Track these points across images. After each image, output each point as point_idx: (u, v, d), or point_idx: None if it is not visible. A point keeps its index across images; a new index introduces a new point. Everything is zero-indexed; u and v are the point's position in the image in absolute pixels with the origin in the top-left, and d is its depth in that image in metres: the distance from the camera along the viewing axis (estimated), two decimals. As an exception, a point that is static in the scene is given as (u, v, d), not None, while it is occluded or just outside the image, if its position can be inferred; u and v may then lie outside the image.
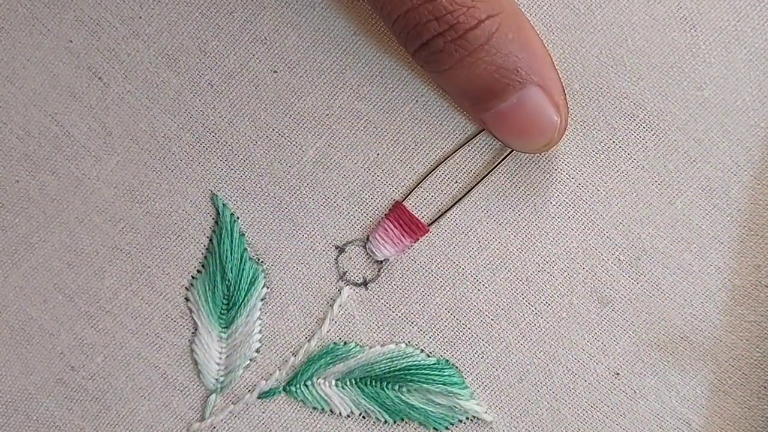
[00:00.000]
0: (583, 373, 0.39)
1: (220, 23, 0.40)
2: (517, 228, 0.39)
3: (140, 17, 0.40)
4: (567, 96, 0.37)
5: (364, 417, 0.40)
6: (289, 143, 0.40)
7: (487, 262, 0.39)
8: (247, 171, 0.40)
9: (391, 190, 0.40)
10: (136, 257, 0.41)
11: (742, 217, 0.38)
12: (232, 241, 0.40)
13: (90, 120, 0.41)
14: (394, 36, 0.36)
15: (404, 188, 0.40)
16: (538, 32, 0.37)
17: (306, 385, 0.40)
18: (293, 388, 0.40)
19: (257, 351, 0.41)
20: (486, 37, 0.35)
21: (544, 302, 0.39)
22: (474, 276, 0.39)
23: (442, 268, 0.40)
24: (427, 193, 0.40)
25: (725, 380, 0.39)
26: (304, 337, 0.40)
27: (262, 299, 0.40)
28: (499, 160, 0.39)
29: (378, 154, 0.40)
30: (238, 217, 0.40)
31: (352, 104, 0.40)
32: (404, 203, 0.39)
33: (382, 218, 0.40)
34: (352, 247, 0.40)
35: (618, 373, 0.39)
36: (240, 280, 0.40)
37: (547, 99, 0.36)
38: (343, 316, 0.40)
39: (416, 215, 0.39)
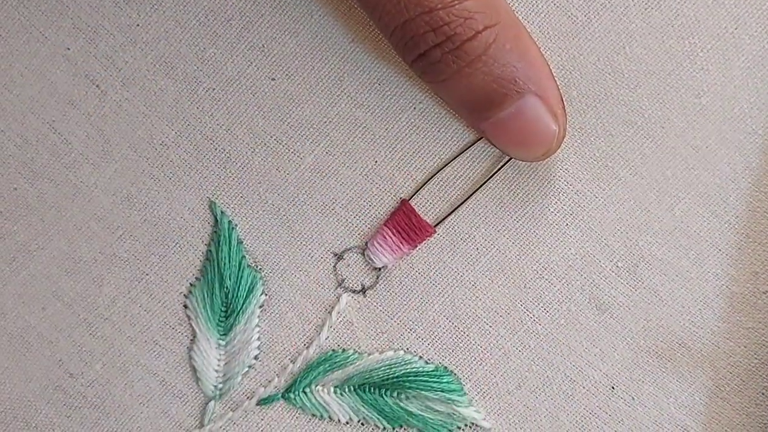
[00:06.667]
0: (582, 380, 0.39)
1: (217, 31, 0.40)
2: (515, 235, 0.39)
3: (138, 25, 0.40)
4: (565, 104, 0.37)
5: (362, 424, 0.40)
6: (287, 151, 0.40)
7: (486, 269, 0.39)
8: (245, 178, 0.40)
9: (389, 198, 0.40)
10: (135, 265, 0.41)
11: (740, 225, 0.38)
12: (230, 249, 0.40)
13: (88, 127, 0.41)
14: (392, 46, 0.36)
15: (402, 196, 0.40)
16: (536, 40, 0.37)
17: (305, 392, 0.40)
18: (292, 395, 0.40)
19: (256, 358, 0.41)
20: (483, 48, 0.35)
21: (543, 309, 0.39)
22: (472, 283, 0.39)
23: (440, 276, 0.40)
24: (426, 201, 0.40)
25: (723, 387, 0.39)
26: (302, 344, 0.40)
27: (261, 306, 0.40)
28: (497, 168, 0.39)
29: (376, 162, 0.40)
30: (236, 225, 0.40)
31: (350, 112, 0.40)
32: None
33: (380, 225, 0.40)
34: (351, 255, 0.40)
35: (614, 386, 0.39)
36: (238, 288, 0.40)
37: (545, 108, 0.36)
38: (342, 323, 0.40)
39: (414, 223, 0.40)
